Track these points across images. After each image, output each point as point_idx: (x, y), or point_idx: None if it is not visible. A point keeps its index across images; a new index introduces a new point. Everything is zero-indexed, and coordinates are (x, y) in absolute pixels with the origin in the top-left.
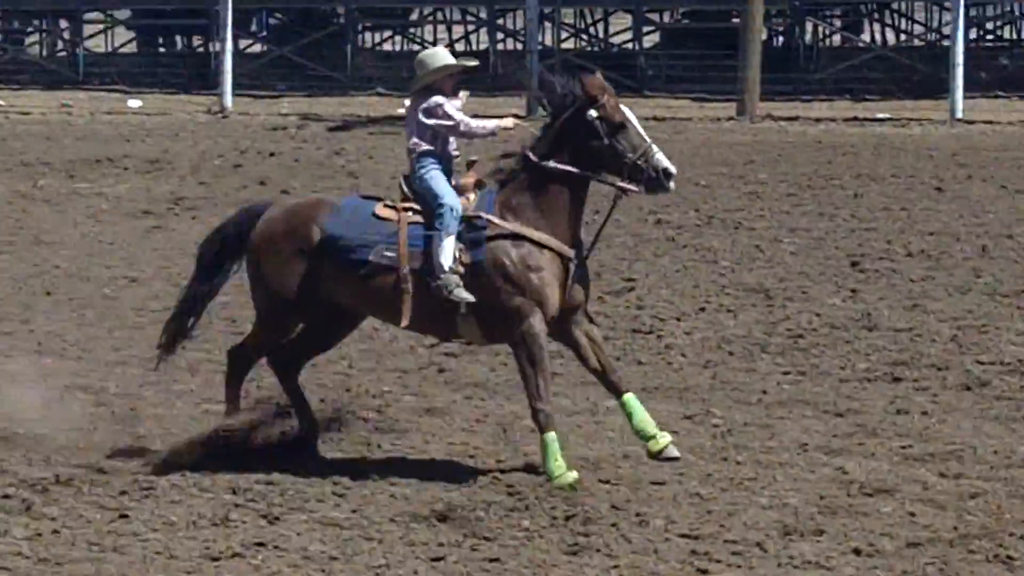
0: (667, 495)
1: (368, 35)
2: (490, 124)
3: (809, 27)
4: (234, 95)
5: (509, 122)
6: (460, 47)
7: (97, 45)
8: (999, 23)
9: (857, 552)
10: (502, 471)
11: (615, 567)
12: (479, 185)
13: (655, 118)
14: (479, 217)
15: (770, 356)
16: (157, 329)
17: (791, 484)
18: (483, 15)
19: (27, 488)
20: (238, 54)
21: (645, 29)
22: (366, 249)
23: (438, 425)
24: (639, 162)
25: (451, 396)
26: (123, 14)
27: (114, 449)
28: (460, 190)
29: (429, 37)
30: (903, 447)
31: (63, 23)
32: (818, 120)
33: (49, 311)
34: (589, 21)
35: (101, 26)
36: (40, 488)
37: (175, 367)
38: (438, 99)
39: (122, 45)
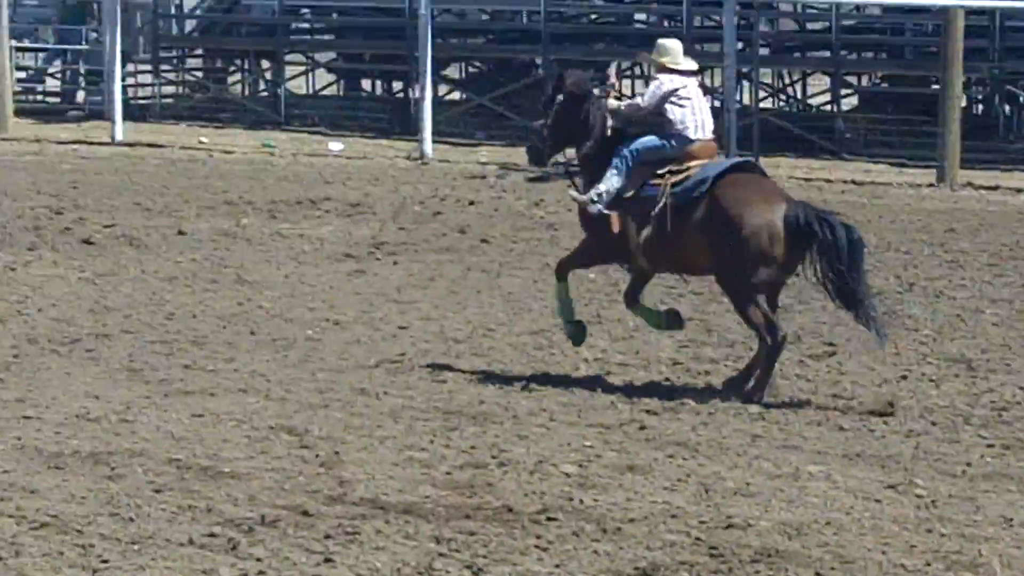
0: (871, 565)
1: None
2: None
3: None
4: (434, 142)
5: None
6: None
7: (298, 87)
8: None
9: None
10: (704, 532)
11: None
12: None
13: (853, 182)
14: None
15: (973, 428)
16: (359, 373)
17: (997, 560)
18: None
19: (233, 527)
20: (438, 101)
21: (844, 92)
22: None
23: (639, 482)
24: None
25: (653, 454)
26: (325, 56)
27: (318, 492)
28: None
29: (627, 91)
30: None
31: (265, 63)
32: (1019, 190)
33: (253, 351)
34: (787, 81)
35: (302, 67)
36: (246, 528)
37: (377, 412)
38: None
39: (324, 87)
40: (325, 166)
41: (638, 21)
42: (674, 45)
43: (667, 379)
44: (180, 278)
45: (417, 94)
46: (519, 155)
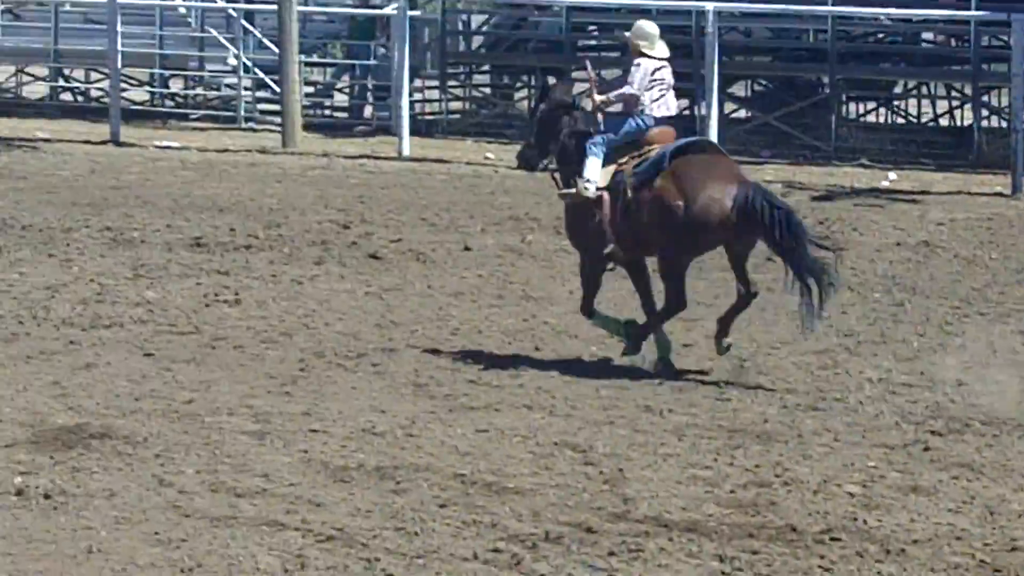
0: None
1: (852, 106)
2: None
3: None
4: None
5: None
6: (944, 122)
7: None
8: None
9: None
10: (988, 554)
11: None
12: None
13: None
14: None
15: None
16: (644, 390)
17: None
18: (967, 91)
19: (517, 543)
20: (723, 119)
21: None
22: None
23: (924, 504)
24: None
25: (937, 475)
26: (610, 73)
27: (601, 508)
28: None
29: (912, 110)
30: None
31: (551, 79)
32: None
33: (538, 367)
34: None
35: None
36: (530, 544)
37: (661, 429)
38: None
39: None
40: None
41: (925, 41)
42: (652, 29)
43: (952, 400)
44: (466, 293)
45: (703, 111)
46: (805, 173)
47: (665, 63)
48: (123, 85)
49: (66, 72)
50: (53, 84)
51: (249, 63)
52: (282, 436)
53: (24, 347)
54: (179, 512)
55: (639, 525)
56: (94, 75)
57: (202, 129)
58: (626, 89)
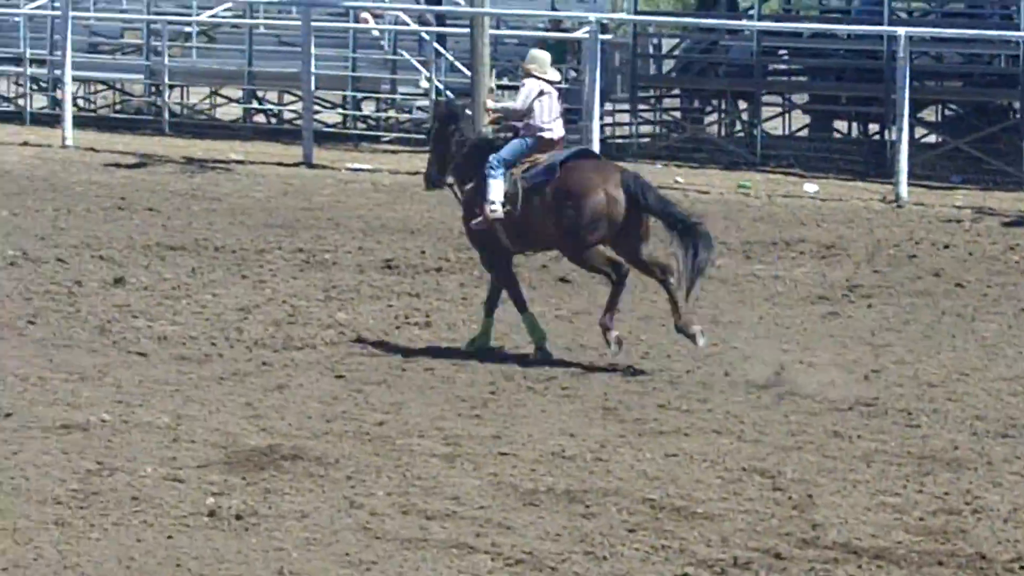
0: None
1: None
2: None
3: None
4: (909, 185)
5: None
6: None
7: (774, 127)
8: None
9: None
10: None
11: None
12: None
13: None
14: None
15: None
16: (832, 416)
17: None
18: None
19: (705, 568)
20: (914, 144)
21: None
22: None
23: None
24: None
25: None
26: (800, 98)
27: (790, 534)
28: None
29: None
30: None
31: (741, 104)
32: None
33: (727, 391)
34: None
35: (779, 108)
36: (718, 570)
37: (850, 456)
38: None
39: (799, 129)
40: (800, 207)
41: None
42: (542, 56)
43: None
44: (654, 317)
45: (893, 136)
46: (995, 199)
47: (551, 87)
48: (316, 107)
49: (260, 94)
50: (247, 106)
51: (441, 85)
52: (472, 459)
53: (217, 368)
54: (370, 534)
55: (828, 552)
56: (287, 97)
57: (394, 151)
58: (511, 104)
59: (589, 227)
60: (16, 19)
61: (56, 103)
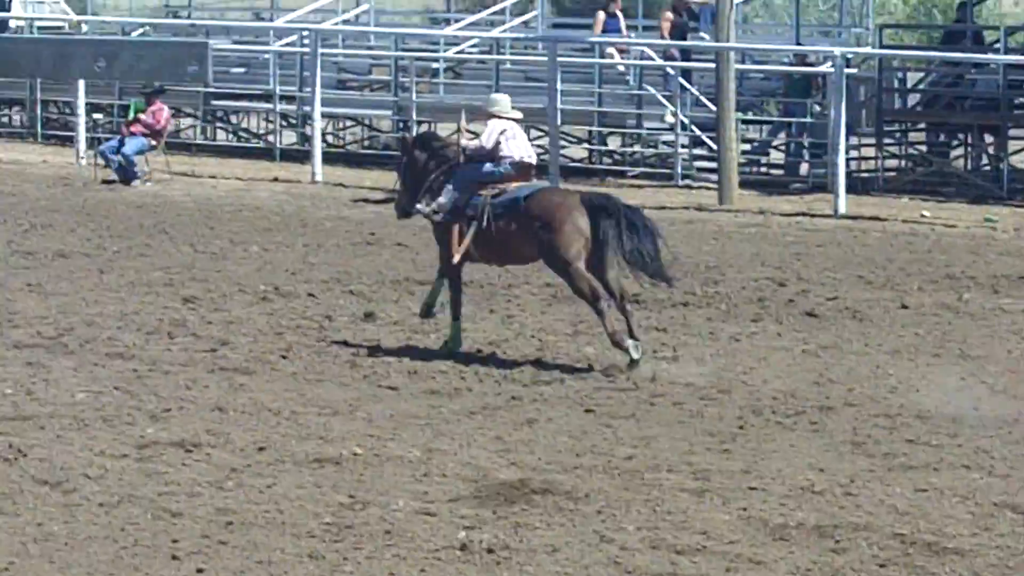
0: None
1: None
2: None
3: None
4: None
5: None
6: None
7: (1021, 161)
8: None
9: None
10: None
11: None
12: None
13: None
14: None
15: None
16: None
17: None
18: None
19: None
20: None
21: None
22: None
23: None
24: None
25: None
26: None
27: None
28: None
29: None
30: None
31: (988, 137)
32: None
33: (976, 426)
34: None
35: None
36: None
37: None
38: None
39: None
40: None
41: None
42: (503, 99)
43: None
44: (902, 351)
45: None
46: None
47: (514, 123)
48: (561, 142)
49: None
50: None
51: (686, 121)
52: (721, 493)
53: (467, 402)
54: (620, 568)
55: None
56: (533, 132)
57: (639, 186)
58: (477, 142)
59: (565, 245)
60: (266, 56)
61: (305, 139)
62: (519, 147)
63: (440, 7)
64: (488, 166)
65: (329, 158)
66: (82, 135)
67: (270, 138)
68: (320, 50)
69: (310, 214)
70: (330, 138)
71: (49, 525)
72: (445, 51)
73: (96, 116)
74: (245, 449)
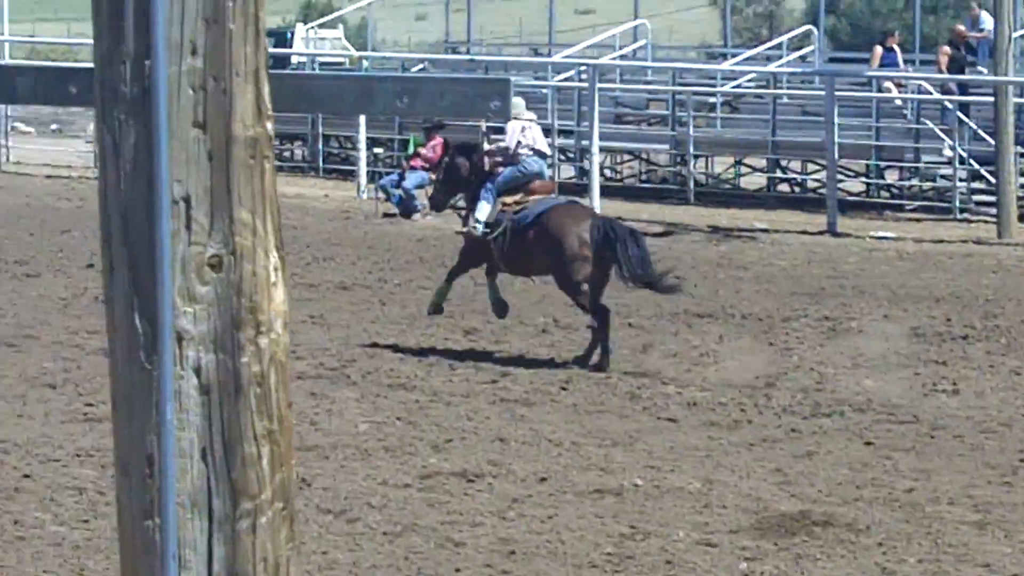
0: None
1: None
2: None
3: None
4: None
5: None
6: None
7: None
8: None
9: None
10: None
11: None
12: None
13: None
14: None
15: None
16: None
17: None
18: None
19: None
20: None
21: None
22: None
23: None
24: None
25: None
26: None
27: None
28: None
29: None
30: None
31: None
32: None
33: None
34: None
35: None
36: None
37: None
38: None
39: None
40: None
41: None
42: (519, 101)
43: None
44: None
45: None
46: None
47: (529, 123)
48: (839, 176)
49: (783, 163)
50: (771, 175)
51: (964, 154)
52: (1003, 526)
53: (746, 434)
54: None
55: None
56: (811, 166)
57: (917, 220)
58: (501, 144)
59: (572, 263)
60: (544, 91)
61: (583, 173)
62: (536, 138)
63: (717, 42)
64: (511, 171)
65: (607, 191)
66: (363, 169)
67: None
68: (598, 85)
69: None
70: (608, 172)
71: (334, 553)
72: (722, 85)
73: (376, 151)
74: (526, 479)
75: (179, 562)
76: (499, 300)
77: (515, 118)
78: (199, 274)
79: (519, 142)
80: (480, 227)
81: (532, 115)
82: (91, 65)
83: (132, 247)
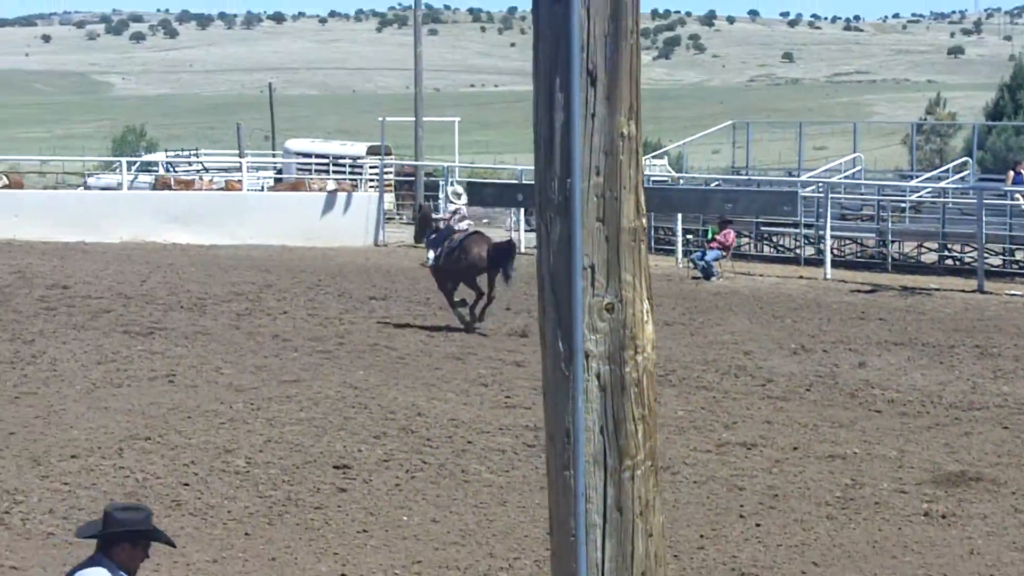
0: None
1: None
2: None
3: None
4: None
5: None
6: None
7: None
8: None
9: None
10: None
11: None
12: None
13: None
14: None
15: None
16: None
17: None
18: None
19: None
20: None
21: None
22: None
23: None
24: None
25: None
26: None
27: None
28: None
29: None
30: None
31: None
32: None
33: None
34: None
35: None
36: None
37: None
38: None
39: None
40: None
41: None
42: (458, 189)
43: None
44: None
45: None
46: None
47: (461, 206)
48: (985, 255)
49: (949, 246)
50: (941, 253)
51: None
52: None
53: (926, 421)
54: None
55: None
56: (967, 248)
57: None
58: (443, 216)
59: (468, 271)
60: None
61: (819, 252)
62: (465, 219)
63: (906, 167)
64: (444, 228)
65: (835, 263)
66: (679, 248)
67: (796, 251)
68: (830, 195)
69: (823, 299)
70: (835, 251)
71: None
72: (910, 195)
73: (688, 236)
74: (784, 448)
75: (585, 498)
76: (462, 317)
77: (451, 202)
78: (599, 315)
79: (452, 217)
80: (430, 262)
81: (464, 200)
82: (531, 182)
83: (557, 297)
